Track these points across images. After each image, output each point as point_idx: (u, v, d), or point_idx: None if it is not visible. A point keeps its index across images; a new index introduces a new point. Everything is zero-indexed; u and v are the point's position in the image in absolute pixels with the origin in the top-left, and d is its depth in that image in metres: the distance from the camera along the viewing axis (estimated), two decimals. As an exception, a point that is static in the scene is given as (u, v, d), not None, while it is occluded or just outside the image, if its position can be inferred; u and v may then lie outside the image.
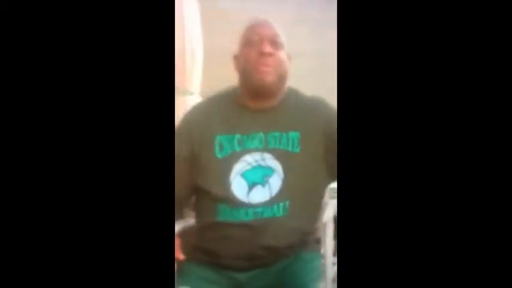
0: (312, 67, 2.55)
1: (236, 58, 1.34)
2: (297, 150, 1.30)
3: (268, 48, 1.26)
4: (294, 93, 1.36)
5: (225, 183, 1.28)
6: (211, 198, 1.30)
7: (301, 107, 1.34)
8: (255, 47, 1.27)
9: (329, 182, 1.39)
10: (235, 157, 1.29)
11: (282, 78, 1.30)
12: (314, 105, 1.35)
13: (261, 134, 1.30)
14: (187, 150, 1.30)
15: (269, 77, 1.26)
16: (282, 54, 1.29)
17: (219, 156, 1.29)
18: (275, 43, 1.28)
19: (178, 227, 1.40)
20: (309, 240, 1.36)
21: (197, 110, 1.39)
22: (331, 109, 1.35)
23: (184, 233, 1.38)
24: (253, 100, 1.32)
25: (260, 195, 1.28)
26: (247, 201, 1.27)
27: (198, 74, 2.38)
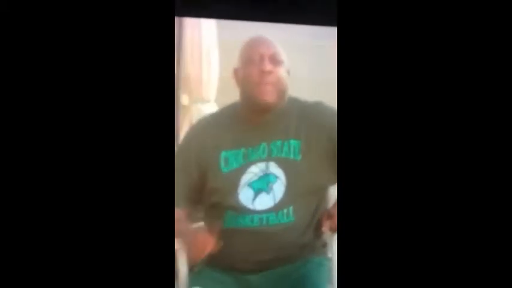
0: (311, 93, 2.55)
1: (236, 72, 1.39)
2: (298, 157, 1.34)
3: (268, 67, 1.30)
4: (294, 102, 1.39)
5: (233, 195, 1.33)
6: (219, 207, 1.35)
7: (301, 115, 1.37)
8: (255, 65, 1.32)
9: (333, 185, 1.42)
10: (242, 170, 1.34)
11: (282, 93, 1.34)
12: (315, 112, 1.39)
13: (264, 144, 1.35)
14: (194, 165, 1.36)
15: (270, 94, 1.31)
16: (282, 71, 1.33)
17: (225, 170, 1.34)
18: (275, 61, 1.32)
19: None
20: (316, 244, 1.38)
21: (201, 127, 1.45)
22: (334, 114, 1.37)
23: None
24: (254, 114, 1.36)
25: (265, 202, 1.32)
26: (252, 208, 1.32)
27: (214, 82, 2.43)
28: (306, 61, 2.60)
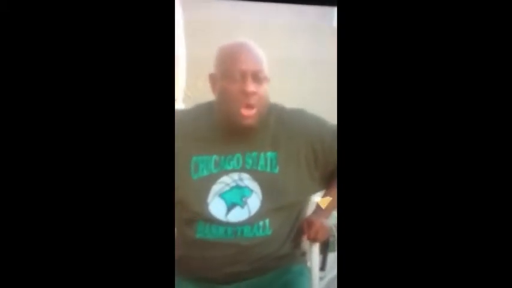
0: (310, 75, 2.54)
1: (213, 78, 1.28)
2: (276, 170, 1.27)
3: (251, 87, 1.20)
4: (274, 111, 1.32)
5: (203, 203, 1.26)
6: (190, 216, 1.28)
7: (279, 124, 1.30)
8: (236, 82, 1.21)
9: (315, 194, 1.38)
10: (212, 178, 1.27)
11: (262, 112, 1.25)
12: (295, 120, 1.32)
13: (239, 155, 1.27)
14: None
15: (251, 118, 1.23)
16: (265, 88, 1.24)
17: (194, 177, 1.27)
18: (258, 79, 1.22)
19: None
20: (295, 253, 1.35)
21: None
22: (316, 121, 1.33)
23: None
24: (231, 128, 1.27)
25: (239, 215, 1.26)
26: (225, 221, 1.26)
27: (182, 81, 2.38)
28: (304, 43, 2.58)
